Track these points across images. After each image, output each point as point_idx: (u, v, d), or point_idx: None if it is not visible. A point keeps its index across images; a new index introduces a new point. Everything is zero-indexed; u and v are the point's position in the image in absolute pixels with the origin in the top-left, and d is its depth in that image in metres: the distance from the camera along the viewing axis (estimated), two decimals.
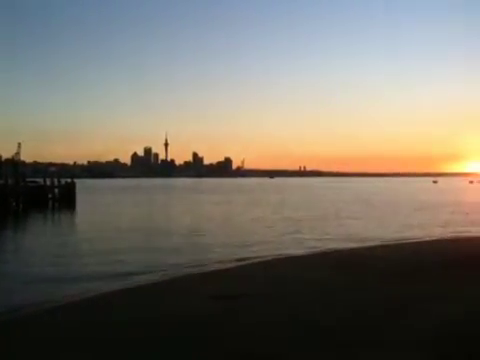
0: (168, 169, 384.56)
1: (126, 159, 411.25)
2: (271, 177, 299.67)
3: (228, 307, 9.08)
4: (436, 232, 24.40)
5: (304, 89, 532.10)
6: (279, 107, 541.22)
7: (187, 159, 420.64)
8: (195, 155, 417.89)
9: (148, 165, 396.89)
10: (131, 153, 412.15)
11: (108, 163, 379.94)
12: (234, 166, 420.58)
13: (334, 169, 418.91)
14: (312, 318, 8.08)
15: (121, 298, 10.68)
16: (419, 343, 6.73)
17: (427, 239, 21.54)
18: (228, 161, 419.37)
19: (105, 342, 7.21)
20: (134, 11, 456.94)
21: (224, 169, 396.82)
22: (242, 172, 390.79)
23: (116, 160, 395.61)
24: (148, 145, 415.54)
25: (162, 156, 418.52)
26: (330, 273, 12.56)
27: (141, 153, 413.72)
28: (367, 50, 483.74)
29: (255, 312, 8.69)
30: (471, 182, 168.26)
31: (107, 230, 25.78)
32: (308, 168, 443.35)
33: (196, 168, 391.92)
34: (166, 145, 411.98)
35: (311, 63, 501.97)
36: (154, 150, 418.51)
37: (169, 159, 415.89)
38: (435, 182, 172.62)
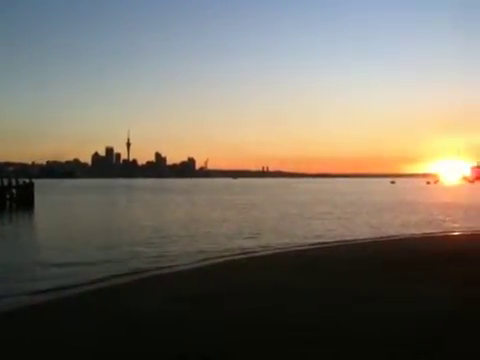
0: (130, 169, 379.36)
1: (87, 159, 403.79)
2: (234, 178, 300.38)
3: (189, 309, 9.16)
4: (395, 231, 25.17)
5: (268, 91, 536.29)
6: (242, 108, 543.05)
7: (150, 159, 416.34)
8: (158, 155, 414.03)
9: (109, 165, 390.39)
10: (92, 153, 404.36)
11: (68, 163, 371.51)
12: (197, 166, 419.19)
13: (296, 170, 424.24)
14: (275, 319, 8.22)
15: (78, 300, 10.61)
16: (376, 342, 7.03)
17: (386, 238, 22.25)
18: (191, 161, 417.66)
19: (58, 343, 7.20)
20: (97, 9, 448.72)
21: (187, 169, 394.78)
22: (205, 172, 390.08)
23: (76, 160, 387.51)
24: (110, 145, 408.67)
25: (124, 156, 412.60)
26: (292, 273, 12.81)
27: (102, 153, 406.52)
28: (330, 53, 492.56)
29: (216, 313, 8.79)
30: (428, 183, 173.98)
31: (66, 231, 25.35)
32: (271, 169, 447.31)
33: (159, 168, 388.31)
34: (128, 145, 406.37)
35: (274, 65, 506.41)
36: (116, 150, 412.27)
37: (131, 159, 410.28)
38: (393, 183, 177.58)
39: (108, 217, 37.44)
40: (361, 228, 26.82)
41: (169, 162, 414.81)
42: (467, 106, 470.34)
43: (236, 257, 16.83)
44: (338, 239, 21.75)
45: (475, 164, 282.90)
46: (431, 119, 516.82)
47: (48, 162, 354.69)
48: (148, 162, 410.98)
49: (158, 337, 7.34)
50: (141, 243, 20.30)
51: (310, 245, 19.82)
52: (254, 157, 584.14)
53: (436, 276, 11.78)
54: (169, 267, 14.93)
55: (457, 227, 27.44)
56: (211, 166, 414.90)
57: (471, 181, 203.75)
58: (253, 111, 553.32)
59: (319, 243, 20.41)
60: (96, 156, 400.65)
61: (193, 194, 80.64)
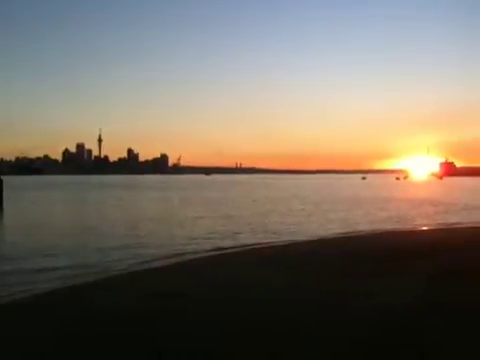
0: (102, 166, 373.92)
1: (57, 155, 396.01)
2: (207, 174, 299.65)
3: (165, 305, 9.22)
4: (365, 226, 25.68)
5: (241, 88, 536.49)
6: (217, 105, 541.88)
7: (122, 156, 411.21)
8: (130, 151, 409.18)
9: (80, 162, 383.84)
10: (62, 149, 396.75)
11: (38, 159, 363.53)
12: (170, 163, 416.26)
13: (269, 166, 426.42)
14: (249, 317, 8.34)
15: (53, 298, 10.53)
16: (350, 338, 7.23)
17: (357, 233, 22.70)
18: (164, 158, 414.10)
19: (35, 340, 7.18)
20: (65, 5, 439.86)
21: (160, 166, 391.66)
22: (178, 169, 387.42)
23: (46, 156, 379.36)
24: (81, 141, 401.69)
25: (95, 152, 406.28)
26: (265, 269, 13.00)
27: (73, 149, 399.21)
28: (303, 50, 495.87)
29: (192, 310, 8.87)
30: (397, 178, 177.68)
31: (37, 229, 24.94)
32: (244, 165, 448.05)
33: (131, 165, 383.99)
34: (100, 141, 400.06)
35: (247, 62, 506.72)
36: (87, 146, 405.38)
37: (103, 156, 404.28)
38: (364, 178, 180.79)
39: (79, 214, 36.97)
40: (333, 224, 27.26)
41: (142, 158, 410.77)
42: (437, 104, 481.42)
43: (210, 254, 16.93)
44: (310, 235, 22.08)
45: (443, 160, 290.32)
46: (402, 117, 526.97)
47: (17, 158, 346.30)
48: (120, 158, 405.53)
49: (133, 333, 7.38)
50: (112, 240, 20.15)
51: (283, 241, 20.06)
52: (227, 153, 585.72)
53: (404, 270, 12.13)
54: (141, 264, 14.92)
55: (425, 222, 28.19)
56: (184, 162, 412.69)
57: (439, 177, 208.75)
58: (227, 108, 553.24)
59: (292, 239, 20.68)
60: (67, 152, 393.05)
61: (166, 190, 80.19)
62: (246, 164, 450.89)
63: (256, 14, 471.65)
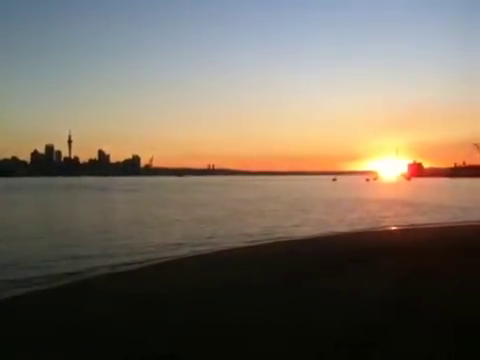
0: (72, 168, 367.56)
1: (26, 157, 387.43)
2: (180, 175, 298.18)
3: (134, 309, 9.15)
4: (335, 227, 26.02)
5: (213, 90, 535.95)
6: (189, 106, 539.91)
7: (93, 157, 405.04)
8: (101, 153, 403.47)
9: (50, 163, 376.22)
10: (31, 151, 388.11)
11: (5, 161, 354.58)
12: (142, 164, 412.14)
13: (242, 168, 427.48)
14: (218, 320, 8.36)
15: (17, 302, 10.33)
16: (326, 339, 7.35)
17: (328, 234, 22.98)
18: (136, 159, 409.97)
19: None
20: (30, 5, 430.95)
21: (132, 167, 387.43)
22: (150, 171, 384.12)
23: (14, 158, 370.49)
24: (50, 143, 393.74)
25: (65, 154, 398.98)
26: (236, 271, 13.05)
27: (42, 151, 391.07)
28: (275, 53, 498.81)
29: (160, 314, 8.83)
30: (367, 180, 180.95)
31: (4, 233, 24.32)
32: (217, 167, 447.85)
33: (102, 166, 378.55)
34: (69, 142, 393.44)
35: (220, 63, 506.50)
36: (56, 148, 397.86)
37: (73, 157, 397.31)
38: (335, 180, 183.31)
39: (47, 217, 36.23)
40: (307, 224, 27.53)
41: (113, 160, 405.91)
42: (406, 107, 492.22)
43: (181, 256, 16.84)
44: (284, 236, 22.24)
45: (411, 162, 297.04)
46: (371, 119, 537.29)
47: None
48: (91, 160, 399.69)
49: (99, 337, 7.32)
50: (81, 244, 19.83)
51: (255, 242, 20.15)
52: (200, 155, 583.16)
53: (376, 270, 12.37)
54: (112, 267, 14.73)
55: (395, 222, 28.75)
56: (156, 164, 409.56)
57: (408, 178, 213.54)
58: (199, 109, 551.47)
59: (265, 240, 20.80)
60: (36, 154, 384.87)
61: (137, 192, 79.36)
62: (219, 166, 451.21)
63: (222, 14, 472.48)
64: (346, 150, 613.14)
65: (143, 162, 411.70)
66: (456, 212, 35.70)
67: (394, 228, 25.92)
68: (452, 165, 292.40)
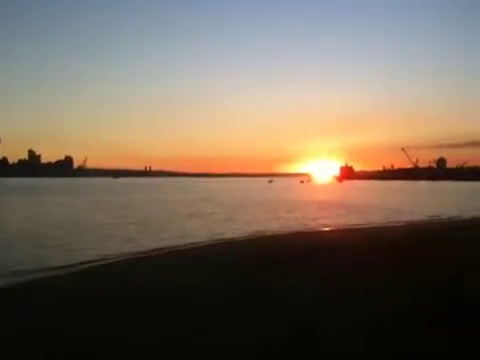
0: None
1: None
2: (115, 177, 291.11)
3: (69, 311, 9.08)
4: (275, 228, 26.62)
5: (148, 90, 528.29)
6: (123, 106, 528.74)
7: (22, 157, 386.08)
8: (31, 153, 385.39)
9: None
10: None
11: None
12: (76, 165, 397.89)
13: (178, 169, 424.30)
14: (170, 318, 8.44)
15: None
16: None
17: (261, 234, 23.49)
18: (69, 160, 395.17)
19: None
20: None
21: (64, 168, 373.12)
22: (84, 172, 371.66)
23: None
24: None
25: None
26: (176, 272, 13.12)
27: None
28: (208, 53, 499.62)
29: (95, 315, 8.82)
30: (302, 182, 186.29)
31: None
32: (153, 168, 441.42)
33: (32, 167, 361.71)
34: None
35: (155, 64, 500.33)
36: None
37: (1, 157, 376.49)
38: (270, 182, 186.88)
39: None
40: (246, 225, 27.94)
41: (44, 160, 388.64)
42: (338, 109, 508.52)
43: (121, 259, 16.64)
44: (220, 237, 22.48)
45: (343, 165, 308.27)
46: (305, 121, 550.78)
47: None
48: (20, 160, 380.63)
49: (30, 336, 7.31)
50: (14, 247, 19.08)
51: (193, 244, 20.27)
52: (136, 156, 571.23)
53: (307, 270, 12.70)
54: (48, 270, 14.32)
55: (328, 223, 29.85)
56: (91, 165, 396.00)
57: (340, 180, 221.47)
58: (134, 110, 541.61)
59: (201, 242, 20.95)
60: None
61: (70, 194, 76.62)
62: (155, 167, 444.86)
63: (158, 16, 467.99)
64: (280, 152, 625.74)
65: (77, 163, 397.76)
66: (385, 213, 37.58)
67: (329, 229, 26.89)
68: (381, 168, 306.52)
